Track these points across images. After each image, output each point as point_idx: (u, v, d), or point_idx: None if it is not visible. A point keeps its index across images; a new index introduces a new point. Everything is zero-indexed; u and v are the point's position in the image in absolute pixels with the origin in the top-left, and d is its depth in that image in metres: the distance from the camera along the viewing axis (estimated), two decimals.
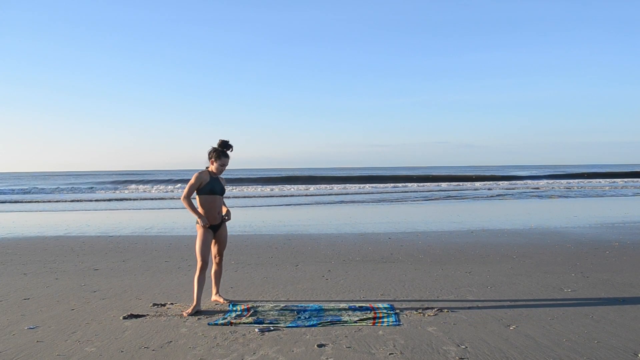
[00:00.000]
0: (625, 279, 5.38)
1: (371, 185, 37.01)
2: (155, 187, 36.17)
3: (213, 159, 4.32)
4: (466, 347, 3.26)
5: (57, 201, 22.98)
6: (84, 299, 4.79)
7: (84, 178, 64.52)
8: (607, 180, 41.91)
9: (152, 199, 24.08)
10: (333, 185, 37.48)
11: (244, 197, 25.50)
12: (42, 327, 3.84)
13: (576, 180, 41.83)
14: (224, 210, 4.52)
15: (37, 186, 38.13)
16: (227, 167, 4.36)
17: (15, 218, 14.99)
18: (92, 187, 36.84)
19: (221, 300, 4.57)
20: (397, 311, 4.15)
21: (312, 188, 32.95)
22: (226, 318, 3.97)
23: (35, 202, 22.71)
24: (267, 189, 32.07)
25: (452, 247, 7.92)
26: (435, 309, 4.19)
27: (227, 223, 5.54)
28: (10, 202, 23.04)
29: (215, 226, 4.40)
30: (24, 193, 30.21)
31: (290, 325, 3.77)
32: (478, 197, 22.51)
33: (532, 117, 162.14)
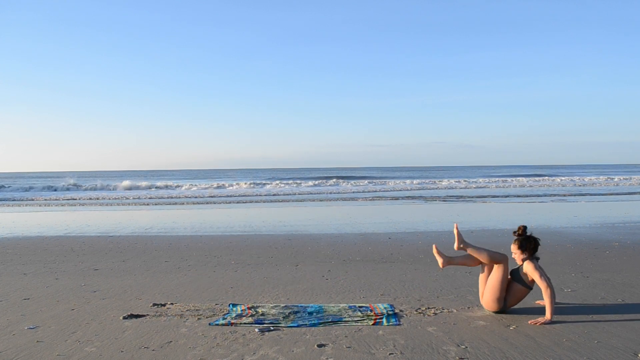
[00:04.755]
0: (625, 279, 5.38)
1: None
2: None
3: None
4: (466, 347, 3.26)
5: None
6: (84, 299, 4.79)
7: None
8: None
9: None
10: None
11: (243, 196, 25.52)
12: (42, 327, 3.84)
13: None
14: None
15: None
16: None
17: (15, 218, 14.99)
18: None
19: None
20: (397, 311, 4.15)
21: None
22: (226, 318, 3.97)
23: None
24: (266, 190, 32.06)
25: (452, 247, 7.91)
26: (435, 309, 4.19)
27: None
28: None
29: None
30: None
31: (290, 325, 3.77)
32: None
33: (532, 117, 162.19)
